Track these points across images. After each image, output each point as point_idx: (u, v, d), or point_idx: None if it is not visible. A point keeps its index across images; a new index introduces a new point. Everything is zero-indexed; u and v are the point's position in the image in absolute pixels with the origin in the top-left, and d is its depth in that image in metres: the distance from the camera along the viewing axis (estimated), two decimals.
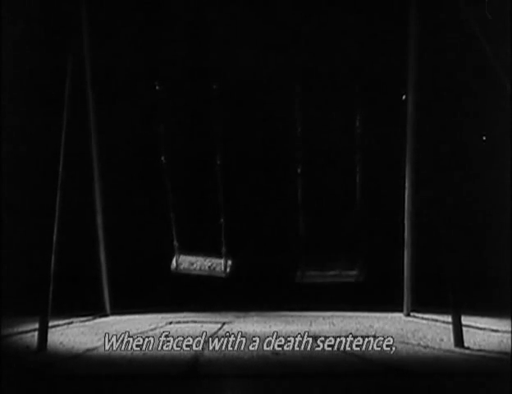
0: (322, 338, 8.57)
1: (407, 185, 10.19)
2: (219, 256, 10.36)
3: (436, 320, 9.70)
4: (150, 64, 11.15)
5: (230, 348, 8.06)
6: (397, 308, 10.40)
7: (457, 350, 7.99)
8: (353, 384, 6.75)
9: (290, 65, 10.92)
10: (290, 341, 8.37)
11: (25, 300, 9.14)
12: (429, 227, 9.95)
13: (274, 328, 9.38)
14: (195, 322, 9.76)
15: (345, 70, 10.82)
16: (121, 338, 8.66)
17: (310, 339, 8.55)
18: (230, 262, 10.33)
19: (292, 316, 10.39)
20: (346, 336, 8.67)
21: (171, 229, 10.46)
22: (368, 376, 6.99)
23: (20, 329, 9.18)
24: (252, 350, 7.97)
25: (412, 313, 10.34)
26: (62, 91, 8.85)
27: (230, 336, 8.71)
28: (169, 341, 8.44)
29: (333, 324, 9.74)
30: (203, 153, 10.97)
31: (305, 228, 10.30)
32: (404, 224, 10.25)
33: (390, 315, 10.36)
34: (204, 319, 10.17)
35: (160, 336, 8.77)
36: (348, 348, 8.08)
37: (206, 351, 7.92)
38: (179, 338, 8.64)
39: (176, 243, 10.40)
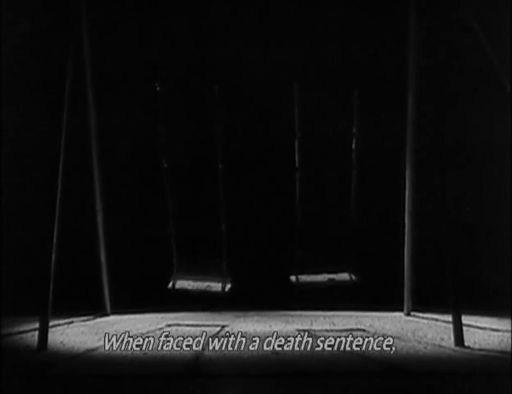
0: (322, 338, 8.58)
1: (407, 185, 10.18)
2: (217, 275, 10.38)
3: (437, 320, 9.70)
4: (151, 64, 11.14)
5: (230, 348, 8.07)
6: (397, 307, 10.40)
7: (457, 349, 7.99)
8: (353, 384, 6.76)
9: (290, 64, 10.92)
10: (290, 341, 8.38)
11: (25, 299, 9.14)
12: (429, 227, 9.95)
13: (274, 328, 9.39)
14: (192, 325, 9.61)
15: (344, 69, 10.82)
16: (121, 338, 8.67)
17: (310, 339, 8.56)
18: (228, 283, 10.33)
19: (292, 316, 10.39)
20: (346, 337, 8.68)
21: (170, 229, 10.49)
22: (368, 376, 6.99)
23: (21, 329, 9.18)
24: (252, 350, 7.98)
25: (412, 313, 10.34)
26: (62, 91, 8.85)
27: (230, 336, 8.72)
28: (169, 341, 8.45)
29: (333, 324, 9.74)
30: (202, 152, 10.98)
31: (302, 232, 10.32)
32: (404, 224, 10.25)
33: (390, 315, 10.35)
34: (204, 320, 10.18)
35: (160, 336, 8.78)
36: (348, 348, 8.09)
37: (206, 351, 7.93)
38: (179, 338, 8.65)
39: (174, 261, 10.41)
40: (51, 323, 8.54)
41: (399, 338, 8.57)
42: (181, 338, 8.60)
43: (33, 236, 9.97)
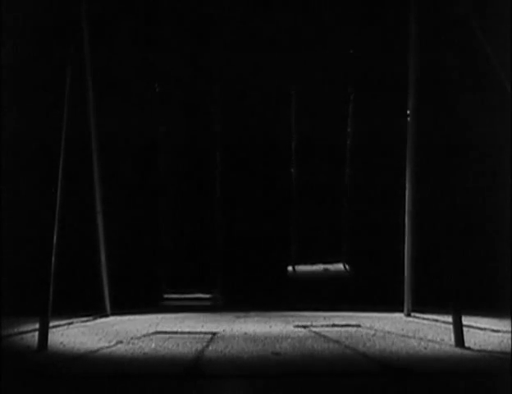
0: (323, 338, 8.59)
1: (407, 185, 10.18)
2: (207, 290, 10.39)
3: (437, 320, 9.70)
4: (150, 64, 11.15)
5: (230, 348, 8.06)
6: (398, 308, 10.39)
7: (457, 350, 7.98)
8: (353, 384, 6.75)
9: (288, 63, 10.93)
10: (290, 341, 8.38)
11: (25, 300, 9.15)
12: (429, 227, 9.95)
13: (274, 328, 9.39)
14: (181, 333, 9.23)
15: (344, 68, 10.84)
16: (121, 338, 8.67)
17: (310, 339, 8.56)
18: (219, 298, 10.35)
19: (292, 316, 10.39)
20: (346, 337, 8.69)
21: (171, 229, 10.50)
22: (368, 376, 6.98)
23: (21, 329, 9.17)
24: (252, 350, 7.97)
25: (412, 314, 10.34)
26: (62, 90, 8.85)
27: (230, 336, 8.72)
28: (169, 341, 8.45)
29: (334, 324, 9.74)
30: (202, 153, 10.99)
31: (298, 228, 10.32)
32: (404, 224, 10.24)
33: (390, 315, 10.35)
34: (204, 321, 10.19)
35: (160, 336, 8.80)
36: (348, 348, 8.09)
37: (206, 351, 7.93)
38: (179, 338, 8.64)
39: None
40: (51, 324, 8.52)
41: (399, 339, 8.57)
42: (181, 338, 8.61)
43: (33, 237, 9.98)
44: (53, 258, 8.51)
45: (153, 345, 8.24)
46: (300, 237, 10.39)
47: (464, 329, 8.21)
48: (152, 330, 9.32)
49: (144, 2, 11.20)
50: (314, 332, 9.15)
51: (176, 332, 8.96)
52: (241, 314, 10.61)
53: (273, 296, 11.16)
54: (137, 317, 10.51)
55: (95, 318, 10.31)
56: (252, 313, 10.67)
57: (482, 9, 9.28)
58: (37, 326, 8.39)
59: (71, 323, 9.78)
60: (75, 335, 8.95)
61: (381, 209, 11.03)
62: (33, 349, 8.18)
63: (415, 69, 9.92)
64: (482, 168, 10.78)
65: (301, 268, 10.29)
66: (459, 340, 8.10)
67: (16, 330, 9.14)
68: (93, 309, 10.50)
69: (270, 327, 9.56)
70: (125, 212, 11.15)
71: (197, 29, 11.21)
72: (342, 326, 9.47)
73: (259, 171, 11.36)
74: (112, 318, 10.41)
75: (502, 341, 8.34)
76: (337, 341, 8.45)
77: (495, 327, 9.14)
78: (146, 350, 8.04)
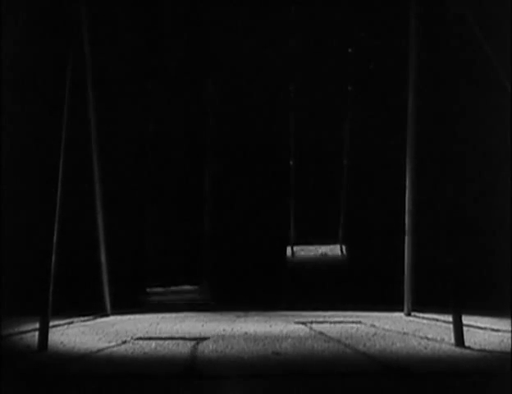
0: (323, 337, 8.60)
1: (407, 184, 10.18)
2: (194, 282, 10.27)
3: (437, 320, 9.70)
4: (150, 63, 11.15)
5: (230, 348, 8.06)
6: (398, 307, 10.39)
7: (458, 349, 7.98)
8: (353, 384, 6.75)
9: (286, 61, 10.94)
10: (290, 341, 8.38)
11: (25, 300, 9.15)
12: (429, 227, 9.95)
13: (274, 328, 9.39)
14: (164, 338, 8.79)
15: (343, 67, 10.83)
16: (121, 338, 8.67)
17: (310, 338, 8.57)
18: (207, 290, 10.23)
19: (292, 316, 10.39)
20: (346, 337, 8.70)
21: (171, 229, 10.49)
22: (368, 376, 6.98)
23: (21, 329, 9.18)
24: (252, 350, 7.97)
25: (412, 313, 10.34)
26: (62, 91, 8.85)
27: (230, 336, 8.72)
28: (169, 341, 8.45)
29: (333, 324, 9.74)
30: (202, 152, 10.98)
31: (298, 231, 10.34)
32: (404, 223, 10.24)
33: (390, 315, 10.35)
34: (204, 321, 10.19)
35: (160, 336, 8.80)
36: (348, 347, 8.10)
37: (206, 351, 7.93)
38: (179, 338, 8.65)
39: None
40: (51, 324, 8.52)
41: (399, 338, 8.57)
42: (181, 338, 8.61)
43: (33, 237, 9.98)
44: (53, 258, 8.52)
45: (153, 345, 8.24)
46: (297, 229, 10.36)
47: (464, 328, 8.21)
48: (139, 334, 9.32)
49: (143, 2, 11.20)
50: (315, 330, 9.16)
51: (160, 338, 8.67)
52: (241, 314, 10.61)
53: (268, 288, 11.16)
54: (137, 316, 10.51)
55: (95, 318, 10.31)
56: (252, 313, 10.67)
57: (481, 9, 9.27)
58: (37, 326, 8.39)
59: (71, 323, 9.78)
60: (76, 335, 8.96)
61: (381, 206, 11.04)
62: (33, 349, 8.18)
63: (415, 67, 9.91)
64: (482, 168, 10.78)
65: (299, 249, 10.20)
66: (459, 339, 8.10)
67: (15, 330, 9.14)
68: (93, 308, 10.49)
69: (270, 326, 9.56)
70: (126, 211, 11.14)
71: (194, 26, 11.21)
72: (343, 322, 9.51)
73: (256, 165, 11.38)
74: (112, 318, 10.42)
75: (502, 340, 8.34)
76: (337, 341, 8.45)
77: (495, 327, 9.14)
78: (146, 349, 8.04)
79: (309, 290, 11.04)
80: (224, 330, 9.23)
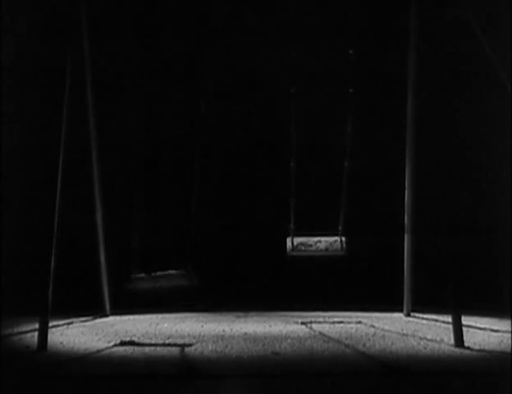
0: (323, 338, 8.60)
1: (407, 185, 10.18)
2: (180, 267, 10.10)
3: (437, 320, 9.70)
4: (150, 63, 11.15)
5: (230, 348, 8.06)
6: (397, 308, 10.39)
7: (457, 350, 7.98)
8: (353, 384, 6.75)
9: (286, 61, 10.93)
10: (290, 341, 8.38)
11: (25, 300, 9.14)
12: (429, 227, 9.95)
13: (274, 328, 9.39)
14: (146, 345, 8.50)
15: (343, 67, 10.83)
16: (120, 338, 8.67)
17: (310, 339, 8.57)
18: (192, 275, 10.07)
19: (292, 316, 10.39)
20: (346, 337, 8.70)
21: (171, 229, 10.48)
22: (368, 376, 6.99)
23: (20, 329, 9.17)
24: (252, 350, 7.97)
25: (412, 314, 10.34)
26: (62, 91, 8.85)
27: (229, 337, 8.72)
28: (169, 341, 8.46)
29: (333, 324, 9.74)
30: (202, 152, 10.97)
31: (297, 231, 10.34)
32: (404, 224, 10.24)
33: (390, 315, 10.35)
34: (204, 320, 10.20)
35: (160, 336, 8.80)
36: (348, 347, 8.10)
37: (206, 351, 7.92)
38: (179, 338, 8.65)
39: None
40: (50, 324, 8.52)
41: (399, 338, 8.57)
42: (181, 338, 8.60)
43: (32, 237, 9.98)
44: (53, 259, 8.52)
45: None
46: (297, 224, 10.35)
47: (464, 329, 8.21)
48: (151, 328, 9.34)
49: (143, 2, 11.20)
50: (314, 330, 9.17)
51: (143, 344, 8.42)
52: (241, 314, 10.61)
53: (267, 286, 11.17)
54: (136, 317, 10.51)
55: (94, 318, 10.30)
56: (252, 313, 10.67)
57: (481, 9, 9.27)
58: (36, 326, 8.39)
59: (71, 323, 9.77)
60: (75, 335, 8.95)
61: (380, 206, 11.05)
62: (32, 349, 8.18)
63: (414, 68, 9.92)
64: (482, 168, 10.78)
65: (299, 243, 10.14)
66: (459, 340, 8.10)
67: (15, 330, 9.14)
68: (92, 309, 10.49)
69: (269, 326, 9.56)
70: (126, 211, 11.13)
71: (195, 27, 11.20)
72: (344, 322, 9.52)
73: (257, 164, 11.40)
74: (111, 318, 10.41)
75: (502, 340, 8.35)
76: (337, 341, 8.45)
77: (494, 327, 9.14)
78: (146, 349, 8.04)
79: (309, 290, 11.04)
80: (224, 330, 9.23)
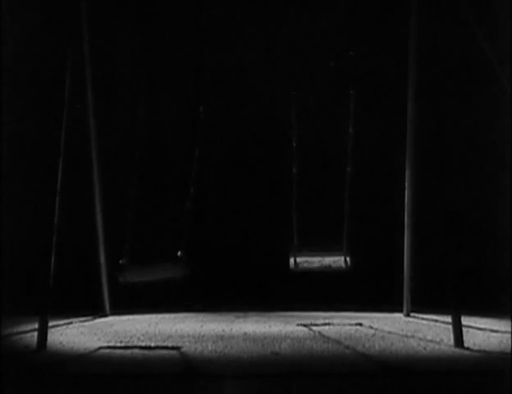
0: (322, 338, 8.60)
1: (407, 185, 10.18)
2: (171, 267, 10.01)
3: (436, 320, 9.70)
4: (150, 63, 11.15)
5: (230, 348, 8.06)
6: (397, 308, 10.39)
7: (457, 350, 7.98)
8: (353, 384, 6.75)
9: (287, 66, 10.94)
10: (289, 341, 8.39)
11: (25, 300, 9.15)
12: (429, 227, 9.95)
13: (274, 328, 9.39)
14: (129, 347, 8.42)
15: (343, 68, 10.84)
16: (120, 338, 8.67)
17: (309, 339, 8.58)
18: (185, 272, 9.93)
19: (292, 316, 10.39)
20: (346, 338, 8.70)
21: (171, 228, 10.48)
22: (368, 376, 6.99)
23: (20, 329, 9.17)
24: (252, 350, 7.98)
25: (412, 314, 10.33)
26: (62, 91, 8.85)
27: (229, 337, 8.73)
28: (168, 341, 8.46)
29: (333, 324, 9.74)
30: (202, 152, 10.97)
31: (299, 232, 10.33)
32: (404, 224, 10.24)
33: (389, 316, 10.35)
34: (204, 319, 10.20)
35: (160, 336, 8.80)
36: (347, 348, 8.11)
37: (206, 351, 7.93)
38: (179, 338, 8.65)
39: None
40: (50, 324, 8.53)
41: (398, 339, 8.57)
42: (181, 338, 8.60)
43: (32, 237, 9.98)
44: (53, 258, 8.52)
45: (153, 346, 8.25)
46: (301, 241, 10.37)
47: (464, 329, 8.21)
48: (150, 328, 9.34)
49: (143, 2, 11.20)
50: (314, 330, 9.17)
51: (125, 348, 8.31)
52: (241, 314, 10.61)
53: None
54: (136, 317, 10.50)
55: (94, 318, 10.30)
56: (252, 313, 10.67)
57: (482, 9, 9.28)
58: (36, 326, 8.39)
59: (70, 323, 9.77)
60: (75, 335, 8.96)
61: (382, 208, 11.05)
62: (32, 348, 8.18)
63: (414, 69, 9.92)
64: (482, 168, 10.78)
65: (303, 261, 10.16)
66: (459, 340, 8.11)
67: (15, 330, 9.14)
68: (92, 308, 10.49)
69: (269, 327, 9.56)
70: (125, 211, 11.13)
71: (195, 30, 11.20)
72: (344, 324, 9.50)
73: (256, 172, 11.39)
74: (111, 318, 10.40)
75: (502, 341, 8.35)
76: (337, 342, 8.46)
77: (494, 328, 9.15)
78: (146, 349, 8.05)
79: (309, 290, 11.03)
80: (223, 330, 9.24)
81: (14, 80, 10.02)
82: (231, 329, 9.33)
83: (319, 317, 10.30)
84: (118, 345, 8.43)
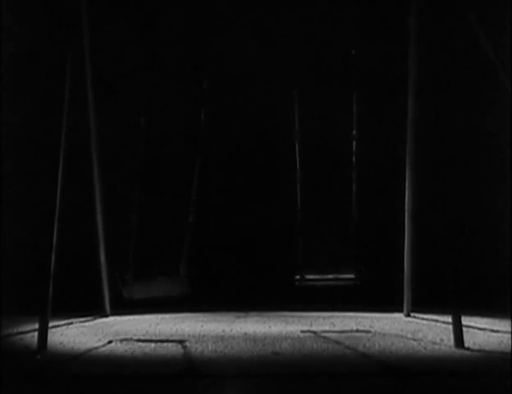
0: (322, 338, 8.60)
1: (407, 185, 10.18)
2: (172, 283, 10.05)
3: (437, 320, 9.69)
4: (150, 62, 11.15)
5: (230, 348, 8.06)
6: (397, 308, 10.39)
7: (457, 350, 7.98)
8: (353, 384, 6.75)
9: (289, 65, 10.93)
10: (289, 341, 8.38)
11: (25, 300, 9.15)
12: (429, 227, 9.94)
13: (274, 328, 9.39)
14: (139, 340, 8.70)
15: (343, 68, 10.83)
16: (120, 338, 8.68)
17: (310, 339, 8.58)
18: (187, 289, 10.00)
19: (292, 316, 10.39)
20: (346, 337, 8.70)
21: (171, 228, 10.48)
22: (368, 376, 6.99)
23: (20, 329, 9.18)
24: (252, 350, 7.98)
25: (412, 314, 10.33)
26: (62, 90, 8.85)
27: (229, 337, 8.73)
28: (169, 341, 8.46)
29: (333, 325, 9.74)
30: (203, 153, 10.97)
31: (304, 232, 10.30)
32: (404, 224, 10.24)
33: (390, 316, 10.35)
34: (204, 319, 10.20)
35: (160, 337, 8.80)
36: (347, 348, 8.10)
37: (206, 351, 7.93)
38: (179, 338, 8.65)
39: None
40: (50, 324, 8.53)
41: (398, 339, 8.57)
42: (181, 338, 8.60)
43: (32, 237, 9.98)
44: (53, 258, 8.52)
45: (153, 345, 8.25)
46: (303, 243, 10.35)
47: (464, 329, 8.21)
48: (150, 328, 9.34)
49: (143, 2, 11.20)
50: (315, 330, 9.17)
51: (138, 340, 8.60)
52: (241, 314, 10.61)
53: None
54: (137, 317, 10.50)
55: (95, 319, 10.30)
56: (252, 313, 10.67)
57: (482, 9, 9.27)
58: (36, 326, 8.39)
59: (71, 323, 9.77)
60: (75, 335, 8.95)
61: (382, 208, 11.05)
62: (32, 349, 8.18)
63: (414, 69, 9.92)
64: (482, 168, 10.78)
65: (310, 276, 10.17)
66: (459, 340, 8.10)
67: (15, 330, 9.14)
68: (92, 309, 10.49)
69: (269, 327, 9.56)
70: (125, 211, 11.13)
71: (196, 26, 11.20)
72: (352, 331, 9.24)
73: (258, 170, 11.39)
74: (111, 319, 10.41)
75: (502, 341, 8.35)
76: (337, 342, 8.45)
77: (494, 328, 9.14)
78: (146, 350, 8.05)
79: (310, 291, 11.03)
80: (224, 330, 9.24)
81: (14, 81, 10.03)
82: (232, 329, 9.33)
83: (319, 317, 10.31)
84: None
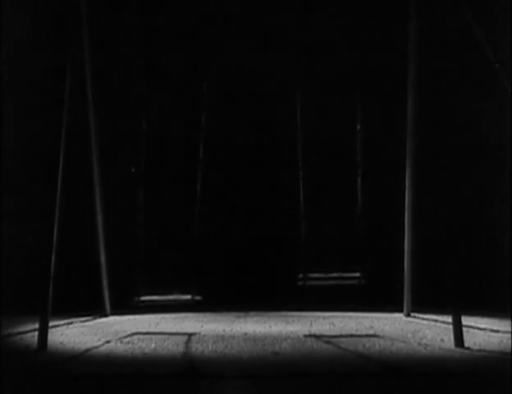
0: (323, 339, 8.60)
1: (407, 185, 10.18)
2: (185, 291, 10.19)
3: (437, 320, 9.69)
4: (150, 62, 11.16)
5: (230, 348, 8.06)
6: (397, 308, 10.39)
7: (457, 350, 7.98)
8: (353, 384, 6.75)
9: (290, 64, 10.93)
10: (289, 341, 8.38)
11: (25, 300, 9.15)
12: (429, 227, 9.95)
13: (274, 328, 9.39)
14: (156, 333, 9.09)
15: (344, 70, 10.84)
16: (120, 338, 8.68)
17: (310, 339, 8.57)
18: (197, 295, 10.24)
19: (292, 316, 10.39)
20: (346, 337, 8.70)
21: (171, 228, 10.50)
22: (368, 376, 6.99)
23: (20, 329, 9.18)
24: (252, 350, 7.98)
25: (412, 314, 10.33)
26: (62, 91, 8.85)
27: (229, 337, 8.73)
28: (169, 341, 8.46)
29: (333, 325, 9.74)
30: (203, 153, 10.99)
31: (307, 231, 10.30)
32: (404, 224, 10.24)
33: (390, 316, 10.35)
34: (204, 320, 10.20)
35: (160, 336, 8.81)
36: (347, 348, 8.10)
37: (206, 351, 7.93)
38: (179, 338, 8.66)
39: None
40: (50, 324, 8.53)
41: (398, 339, 8.57)
42: (181, 338, 8.60)
43: (33, 237, 9.98)
44: (53, 258, 8.52)
45: (153, 345, 8.25)
46: (306, 244, 10.35)
47: (464, 329, 8.21)
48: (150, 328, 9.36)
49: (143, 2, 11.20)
50: (314, 330, 9.17)
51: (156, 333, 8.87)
52: (241, 314, 10.61)
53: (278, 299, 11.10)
54: (137, 317, 10.51)
55: (95, 318, 10.31)
56: (252, 313, 10.67)
57: (482, 9, 9.27)
58: (37, 326, 8.39)
59: (71, 323, 9.78)
60: (75, 335, 8.96)
61: (382, 208, 11.05)
62: (32, 349, 8.18)
63: (414, 69, 9.92)
64: (482, 168, 10.78)
65: (314, 275, 10.18)
66: (459, 340, 8.11)
67: (15, 330, 9.14)
68: (92, 309, 10.49)
69: (269, 327, 9.56)
70: (126, 211, 11.14)
71: (201, 30, 11.20)
72: (357, 336, 9.02)
73: (264, 173, 11.37)
74: (111, 318, 10.41)
75: (502, 341, 8.34)
76: (337, 342, 8.45)
77: (494, 328, 9.14)
78: (146, 350, 8.05)
79: (310, 291, 11.03)
80: (224, 330, 9.23)
81: (14, 81, 10.03)
82: (232, 329, 9.33)
83: (319, 317, 10.31)
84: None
